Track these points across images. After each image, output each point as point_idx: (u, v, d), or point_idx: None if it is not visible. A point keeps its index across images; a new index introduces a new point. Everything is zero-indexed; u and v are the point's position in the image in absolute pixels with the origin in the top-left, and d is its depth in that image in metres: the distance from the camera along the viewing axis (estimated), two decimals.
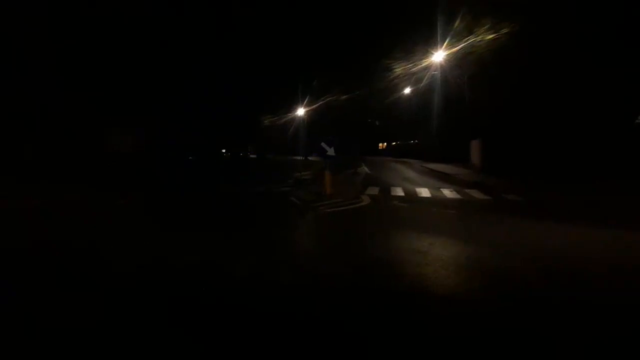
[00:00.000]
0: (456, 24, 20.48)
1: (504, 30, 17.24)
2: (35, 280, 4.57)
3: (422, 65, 25.89)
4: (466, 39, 20.17)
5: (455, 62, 22.99)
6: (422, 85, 29.06)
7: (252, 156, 53.27)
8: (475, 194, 12.50)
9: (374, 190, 13.22)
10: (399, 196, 12.13)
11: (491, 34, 18.18)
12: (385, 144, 54.01)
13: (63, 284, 4.44)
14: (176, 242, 6.43)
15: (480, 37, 19.14)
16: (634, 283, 4.52)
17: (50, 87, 19.53)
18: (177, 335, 3.22)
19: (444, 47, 22.32)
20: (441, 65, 24.69)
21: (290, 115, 40.09)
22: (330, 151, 11.65)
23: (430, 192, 12.82)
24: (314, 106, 38.44)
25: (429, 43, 23.51)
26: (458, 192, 12.90)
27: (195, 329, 3.31)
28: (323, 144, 11.72)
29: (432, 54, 23.56)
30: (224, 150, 51.59)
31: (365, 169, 23.79)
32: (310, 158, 36.19)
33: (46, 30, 19.75)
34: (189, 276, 4.70)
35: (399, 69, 27.93)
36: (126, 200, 11.34)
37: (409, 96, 34.32)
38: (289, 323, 3.46)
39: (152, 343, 3.11)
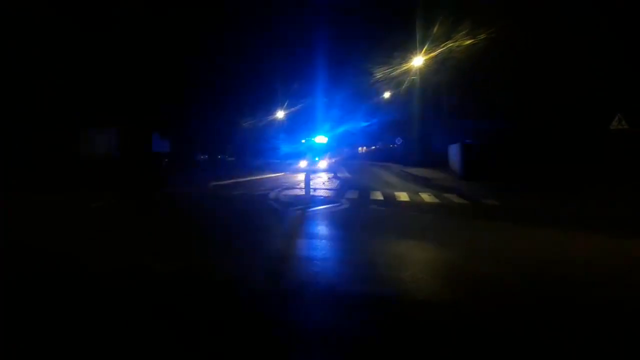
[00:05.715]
0: (435, 29, 20.71)
1: (482, 36, 17.52)
2: None
3: (402, 69, 26.08)
4: (444, 44, 20.45)
5: (434, 66, 23.26)
6: (402, 89, 29.25)
7: (229, 159, 52.46)
8: (454, 198, 12.53)
9: (353, 194, 13.11)
10: (378, 200, 12.05)
11: (469, 39, 18.45)
12: (365, 147, 54.24)
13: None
14: (150, 248, 6.17)
15: (458, 42, 19.41)
16: (606, 287, 4.51)
17: (33, 85, 19.01)
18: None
19: (423, 52, 22.57)
20: (420, 70, 24.94)
21: (270, 118, 39.70)
22: (310, 155, 11.53)
23: (409, 196, 12.79)
24: (293, 109, 38.24)
25: (408, 48, 23.73)
26: (437, 196, 12.91)
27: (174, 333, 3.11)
28: (303, 148, 11.59)
29: (412, 58, 23.80)
30: (201, 155, 50.56)
31: (345, 172, 23.72)
32: (289, 161, 35.93)
33: (34, 29, 19.13)
34: (164, 283, 4.48)
35: (378, 73, 28.04)
36: (101, 203, 11.12)
37: (389, 100, 34.51)
38: (258, 329, 3.31)
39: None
